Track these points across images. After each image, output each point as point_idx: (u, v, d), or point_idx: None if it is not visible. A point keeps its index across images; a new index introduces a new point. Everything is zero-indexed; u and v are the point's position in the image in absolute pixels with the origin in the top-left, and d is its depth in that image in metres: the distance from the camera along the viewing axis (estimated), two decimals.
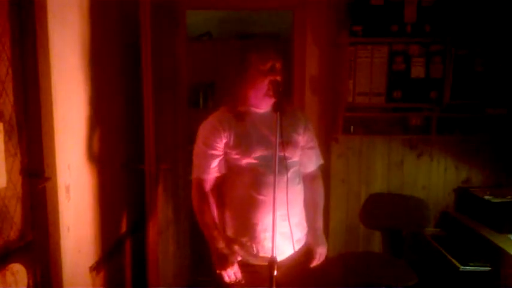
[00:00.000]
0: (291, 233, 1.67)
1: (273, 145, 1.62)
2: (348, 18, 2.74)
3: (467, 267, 2.41)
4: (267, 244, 1.71)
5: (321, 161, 1.93)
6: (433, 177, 3.04)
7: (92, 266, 2.00)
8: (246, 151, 1.69)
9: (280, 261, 1.68)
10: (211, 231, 1.73)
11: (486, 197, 2.69)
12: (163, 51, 2.43)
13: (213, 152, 1.72)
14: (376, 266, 2.62)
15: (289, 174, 1.69)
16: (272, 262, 1.52)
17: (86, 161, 1.97)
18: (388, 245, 2.84)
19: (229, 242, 1.75)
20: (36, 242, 1.62)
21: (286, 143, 1.67)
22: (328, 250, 1.91)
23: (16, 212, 1.51)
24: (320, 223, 1.88)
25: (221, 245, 1.71)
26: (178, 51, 2.84)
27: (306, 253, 1.84)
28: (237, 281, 1.70)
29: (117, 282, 2.39)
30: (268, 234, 1.68)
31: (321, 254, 1.84)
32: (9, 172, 1.45)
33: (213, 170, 1.75)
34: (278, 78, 1.66)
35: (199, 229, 1.80)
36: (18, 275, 1.49)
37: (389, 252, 2.81)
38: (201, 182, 1.77)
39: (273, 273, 1.53)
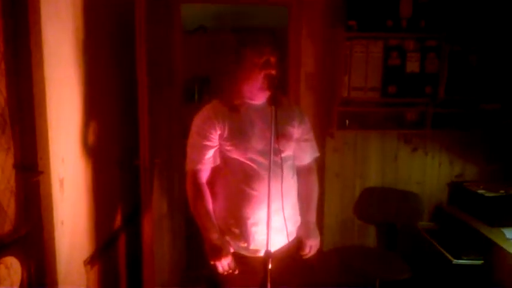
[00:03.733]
0: (286, 227, 1.68)
1: (267, 138, 1.62)
2: (343, 13, 2.74)
3: (460, 261, 2.43)
4: (258, 237, 1.73)
5: (317, 154, 1.93)
6: (427, 172, 3.06)
7: (86, 260, 2.00)
8: (239, 144, 1.69)
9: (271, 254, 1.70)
10: (205, 222, 1.74)
11: (479, 192, 2.71)
12: (157, 45, 2.42)
13: (208, 143, 1.72)
14: (371, 259, 2.64)
15: (283, 168, 1.70)
16: (267, 256, 1.53)
17: (80, 155, 1.97)
18: (383, 239, 2.87)
19: (222, 233, 1.76)
20: (30, 236, 1.61)
21: (280, 135, 1.67)
22: (323, 244, 1.93)
23: (10, 205, 1.50)
24: (313, 216, 1.89)
25: (215, 236, 1.72)
26: (173, 45, 2.83)
27: (298, 246, 1.85)
28: (231, 271, 1.71)
29: (112, 275, 2.39)
30: (259, 228, 1.70)
31: (311, 246, 1.85)
32: (2, 166, 1.45)
33: (208, 160, 1.75)
34: (273, 71, 1.66)
35: (194, 222, 1.80)
36: (12, 268, 1.49)
37: (384, 245, 2.83)
38: (195, 173, 1.77)
39: (268, 266, 1.54)
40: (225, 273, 1.72)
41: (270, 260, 1.54)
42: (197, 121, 1.77)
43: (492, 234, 2.43)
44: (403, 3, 2.69)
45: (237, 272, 1.72)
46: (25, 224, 1.59)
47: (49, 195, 1.65)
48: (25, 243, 1.59)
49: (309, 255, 1.86)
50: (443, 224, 2.94)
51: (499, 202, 2.60)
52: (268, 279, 1.55)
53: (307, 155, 1.89)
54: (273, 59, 1.69)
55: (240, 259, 1.75)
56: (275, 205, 1.61)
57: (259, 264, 1.65)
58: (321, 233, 1.93)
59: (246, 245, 1.76)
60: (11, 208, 1.51)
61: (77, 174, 1.93)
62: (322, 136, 2.92)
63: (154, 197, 2.35)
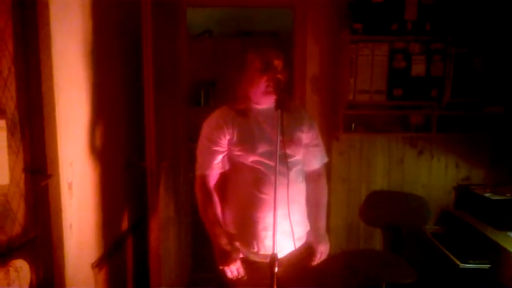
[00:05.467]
0: (292, 231, 1.68)
1: (275, 144, 1.63)
2: (348, 16, 2.75)
3: (467, 265, 2.41)
4: (268, 242, 1.71)
5: (326, 159, 1.94)
6: (433, 175, 3.05)
7: (94, 263, 2.01)
8: (249, 148, 1.70)
9: (280, 259, 1.69)
10: (215, 228, 1.73)
11: (486, 195, 2.70)
12: (164, 49, 2.44)
13: (217, 148, 1.73)
14: (377, 263, 2.63)
15: (292, 172, 1.70)
16: (273, 259, 1.53)
17: (89, 158, 1.98)
18: (389, 243, 2.85)
19: (231, 238, 1.76)
20: (39, 239, 1.63)
21: (289, 140, 1.68)
22: (329, 248, 1.92)
23: (19, 208, 1.52)
24: (323, 222, 1.88)
25: (224, 241, 1.71)
26: (179, 49, 2.85)
27: (307, 251, 1.84)
28: (239, 277, 1.71)
29: (119, 278, 2.40)
30: (270, 233, 1.69)
31: (322, 252, 1.84)
32: (12, 169, 1.46)
33: (217, 166, 1.75)
34: (279, 76, 1.66)
35: (201, 226, 1.81)
36: (21, 271, 1.50)
37: (390, 249, 2.82)
38: (204, 178, 1.77)
39: (274, 270, 1.54)
40: (234, 278, 1.71)
41: (277, 263, 1.54)
42: (206, 127, 1.78)
43: (499, 238, 2.41)
44: (408, 7, 2.69)
45: (245, 277, 1.71)
46: (34, 227, 1.60)
47: (58, 199, 1.66)
48: (34, 246, 1.60)
49: (319, 261, 1.86)
50: (450, 228, 2.92)
51: (506, 205, 2.59)
52: (275, 282, 1.55)
53: (316, 160, 1.89)
54: (278, 63, 1.69)
55: (248, 264, 1.74)
56: (284, 209, 1.61)
57: (267, 269, 1.65)
58: (327, 237, 1.93)
59: (256, 250, 1.75)
60: (20, 211, 1.53)
61: (85, 178, 1.95)
62: (328, 139, 2.92)
63: (161, 200, 2.36)
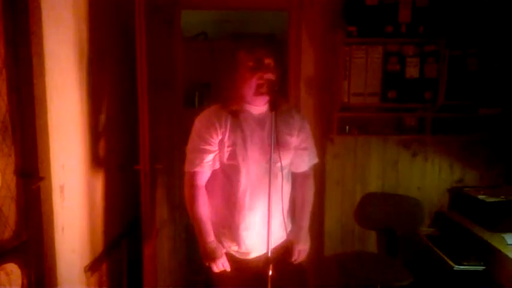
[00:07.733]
0: (284, 231, 1.71)
1: (264, 147, 1.64)
2: (342, 19, 2.75)
3: (462, 267, 2.42)
4: (248, 242, 1.77)
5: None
6: (427, 177, 3.05)
7: (86, 266, 2.00)
8: (238, 151, 1.69)
9: (259, 256, 1.76)
10: (201, 225, 1.76)
11: (480, 197, 2.70)
12: (158, 51, 2.43)
13: (207, 147, 1.71)
14: (372, 265, 2.63)
15: (280, 175, 1.72)
16: (268, 262, 1.54)
17: (81, 161, 1.97)
18: (383, 245, 2.85)
19: (215, 235, 1.79)
20: (31, 242, 1.61)
21: (279, 144, 1.67)
22: (323, 250, 1.92)
23: (10, 212, 1.51)
24: (306, 222, 1.90)
25: (210, 238, 1.76)
26: (174, 52, 2.84)
27: (287, 249, 1.86)
28: (224, 269, 1.77)
29: (113, 282, 2.38)
30: (250, 233, 1.75)
31: (300, 250, 1.86)
32: (3, 172, 1.45)
33: (206, 164, 1.74)
34: (270, 75, 1.64)
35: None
36: (12, 275, 1.49)
37: (385, 251, 2.82)
38: (193, 176, 1.76)
39: (268, 272, 1.55)
40: (219, 271, 1.77)
41: (271, 266, 1.55)
42: (198, 124, 1.76)
43: (493, 240, 2.42)
44: (401, 9, 2.69)
45: (229, 269, 1.77)
46: (25, 230, 1.59)
47: (49, 202, 1.65)
48: (25, 249, 1.58)
49: (298, 260, 1.88)
50: (444, 230, 2.93)
51: (500, 207, 2.59)
52: (269, 285, 1.55)
53: (304, 162, 1.88)
54: (269, 62, 1.67)
55: (230, 258, 1.80)
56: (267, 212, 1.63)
57: (248, 266, 1.77)
58: (322, 239, 1.93)
59: (237, 248, 1.80)
60: (11, 214, 1.51)
61: (77, 181, 1.93)
62: (322, 142, 2.92)
63: (155, 202, 2.35)
